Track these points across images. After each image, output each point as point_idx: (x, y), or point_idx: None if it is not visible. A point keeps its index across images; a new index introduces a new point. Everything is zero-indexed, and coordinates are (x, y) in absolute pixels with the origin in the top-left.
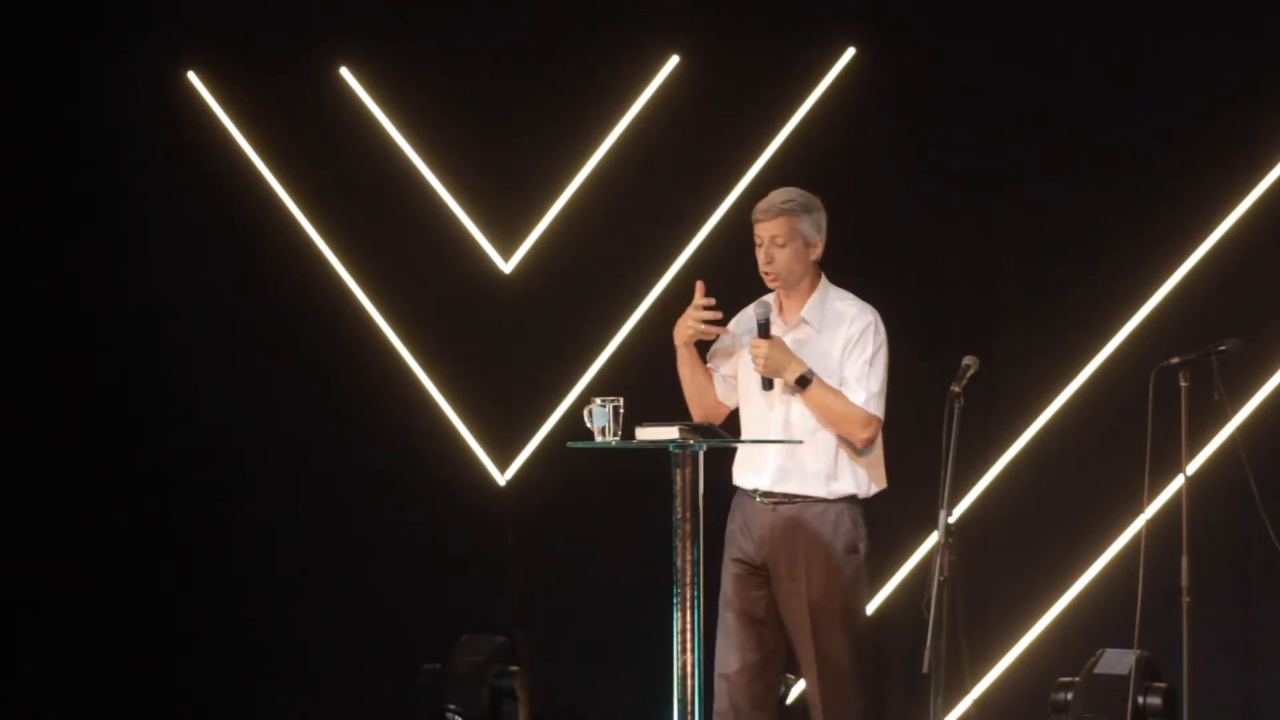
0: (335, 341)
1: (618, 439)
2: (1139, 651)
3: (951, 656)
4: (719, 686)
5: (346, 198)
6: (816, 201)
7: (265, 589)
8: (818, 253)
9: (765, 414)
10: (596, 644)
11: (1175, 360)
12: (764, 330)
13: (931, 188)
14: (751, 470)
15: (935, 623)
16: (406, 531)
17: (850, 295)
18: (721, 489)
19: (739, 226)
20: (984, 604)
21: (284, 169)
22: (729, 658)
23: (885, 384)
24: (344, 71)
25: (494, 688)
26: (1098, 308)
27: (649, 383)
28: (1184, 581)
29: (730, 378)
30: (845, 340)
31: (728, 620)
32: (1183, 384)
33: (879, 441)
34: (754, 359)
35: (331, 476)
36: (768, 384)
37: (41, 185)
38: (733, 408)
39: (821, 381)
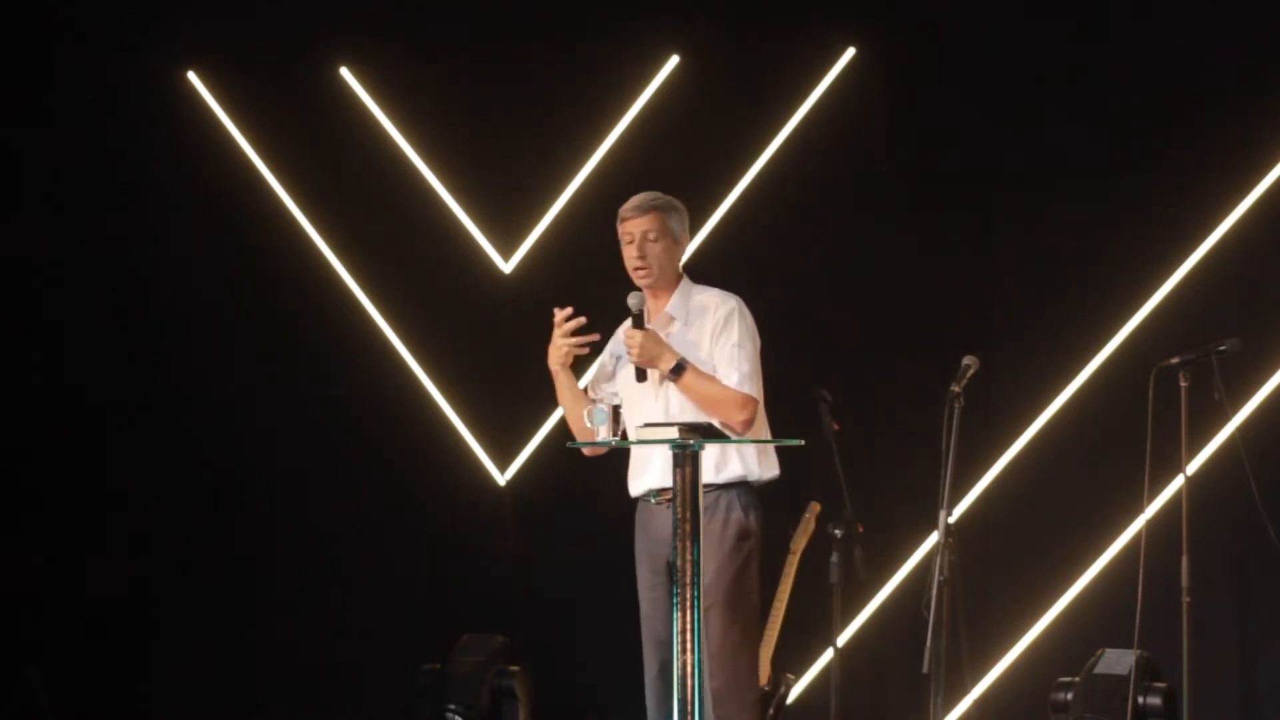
0: (335, 341)
1: (617, 439)
2: (1139, 651)
3: (951, 656)
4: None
5: (346, 198)
6: (680, 204)
7: (265, 589)
8: (683, 251)
9: (648, 406)
10: (596, 644)
11: (1175, 360)
12: (638, 321)
13: (931, 188)
14: (641, 474)
15: (935, 623)
16: (406, 531)
17: (711, 288)
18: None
19: (739, 226)
20: (984, 604)
21: (284, 169)
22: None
23: (757, 367)
24: (344, 71)
25: (494, 688)
26: (1098, 308)
27: None
28: (1184, 581)
29: (614, 395)
30: (711, 328)
31: (653, 635)
32: (1183, 384)
33: (763, 426)
34: (628, 349)
35: (331, 476)
36: (641, 375)
37: (41, 185)
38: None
39: (695, 368)
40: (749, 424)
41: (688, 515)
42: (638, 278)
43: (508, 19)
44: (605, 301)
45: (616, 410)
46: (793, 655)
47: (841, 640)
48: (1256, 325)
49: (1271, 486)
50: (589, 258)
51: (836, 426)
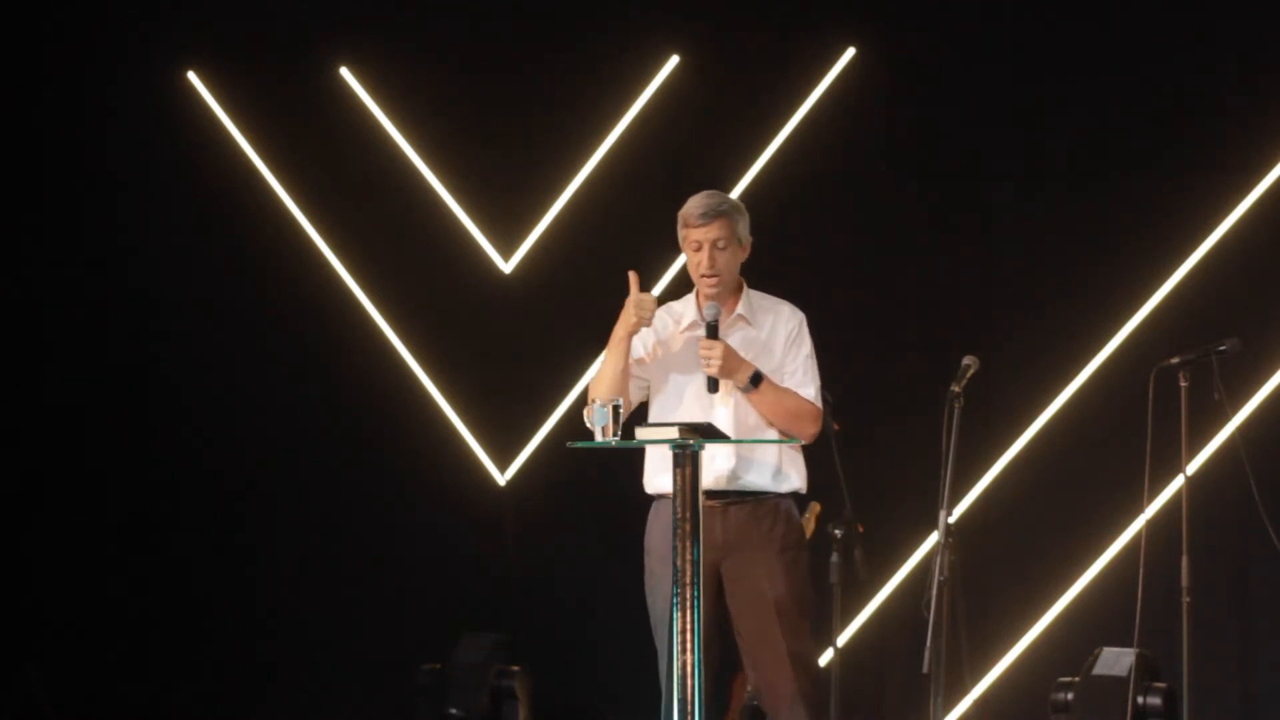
0: (335, 342)
1: (618, 439)
2: (1137, 650)
3: (951, 656)
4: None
5: (346, 198)
6: (742, 204)
7: (265, 589)
8: (746, 254)
9: (709, 414)
10: (596, 644)
11: (1175, 360)
12: (713, 331)
13: (931, 187)
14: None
15: (935, 623)
16: (407, 531)
17: (768, 295)
18: None
19: None
20: (984, 604)
21: (284, 169)
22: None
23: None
24: (344, 71)
25: (494, 688)
26: (1098, 308)
27: None
28: (1184, 581)
29: (641, 378)
30: (785, 336)
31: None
32: (1183, 384)
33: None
34: (705, 360)
35: (332, 476)
36: (713, 385)
37: (42, 185)
38: (630, 408)
39: (770, 380)
40: (816, 437)
41: (688, 515)
42: (705, 285)
43: (508, 19)
44: (605, 301)
45: (617, 410)
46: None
47: (841, 640)
48: (1256, 325)
49: (1271, 486)
50: (589, 258)
51: (837, 426)
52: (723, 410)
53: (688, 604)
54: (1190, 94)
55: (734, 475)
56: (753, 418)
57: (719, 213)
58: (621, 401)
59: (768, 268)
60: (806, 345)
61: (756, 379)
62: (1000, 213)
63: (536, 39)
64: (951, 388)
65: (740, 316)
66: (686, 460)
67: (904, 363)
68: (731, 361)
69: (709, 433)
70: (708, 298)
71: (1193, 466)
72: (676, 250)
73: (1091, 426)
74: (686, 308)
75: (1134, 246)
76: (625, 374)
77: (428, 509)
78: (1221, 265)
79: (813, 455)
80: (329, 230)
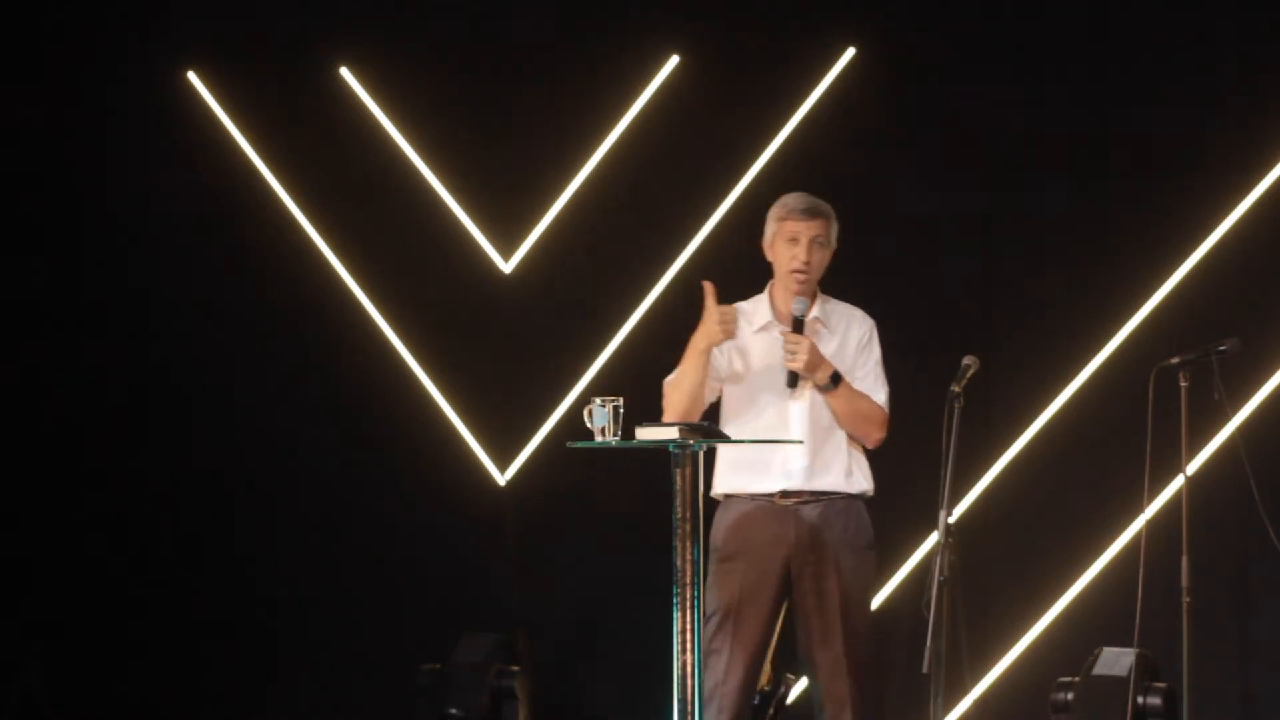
0: (335, 342)
1: (618, 439)
2: (1137, 650)
3: (951, 656)
4: (719, 703)
5: (346, 198)
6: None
7: (265, 589)
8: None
9: (785, 413)
10: (596, 644)
11: (1175, 360)
12: (799, 326)
13: (931, 188)
14: (765, 474)
15: (935, 623)
16: (406, 531)
17: (842, 301)
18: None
19: (739, 226)
20: (984, 604)
21: (284, 169)
22: (736, 669)
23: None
24: (344, 71)
25: (494, 688)
26: (1098, 308)
27: (649, 383)
28: (1184, 581)
29: (712, 379)
30: (857, 342)
31: (754, 630)
32: (1183, 384)
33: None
34: (789, 354)
35: (331, 476)
36: (793, 381)
37: (41, 185)
38: (700, 413)
39: (847, 382)
40: (882, 441)
41: (688, 515)
42: (795, 279)
43: (508, 19)
44: (605, 301)
45: (617, 410)
46: (793, 655)
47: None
48: (1256, 325)
49: (1271, 486)
50: (589, 258)
51: None
52: (799, 408)
53: (687, 604)
54: (1190, 94)
55: (809, 475)
56: (826, 418)
57: (820, 212)
58: (622, 401)
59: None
60: (877, 351)
61: (836, 378)
62: (1000, 213)
63: (536, 39)
64: (951, 388)
65: (816, 319)
66: (686, 460)
67: (904, 363)
68: (816, 358)
69: (709, 433)
70: (794, 294)
71: (1193, 466)
72: (677, 251)
73: (1091, 426)
74: (758, 308)
75: (1134, 246)
76: (704, 384)
77: (428, 509)
78: (1221, 265)
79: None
80: (329, 230)
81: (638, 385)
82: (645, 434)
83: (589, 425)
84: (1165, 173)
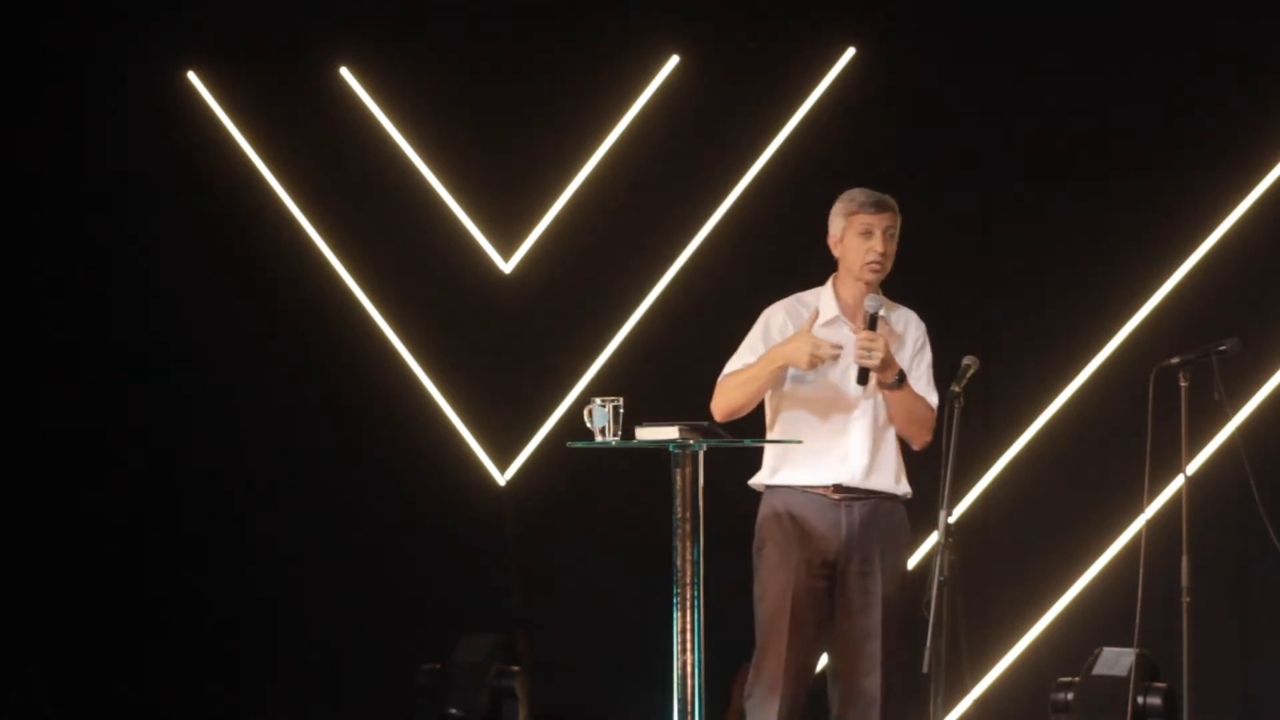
0: (335, 341)
1: (618, 439)
2: (1137, 650)
3: (951, 656)
4: (785, 692)
5: (346, 198)
6: None
7: (265, 589)
8: None
9: (848, 409)
10: (596, 644)
11: (1175, 360)
12: (873, 323)
13: (931, 188)
14: (821, 467)
15: (935, 623)
16: (406, 531)
17: (894, 301)
18: (721, 488)
19: (740, 226)
20: (984, 604)
21: (284, 169)
22: (794, 657)
23: None
24: (344, 71)
25: (494, 688)
26: (1098, 308)
27: (649, 383)
28: (1184, 581)
29: (789, 388)
30: (914, 343)
31: (806, 623)
32: (1183, 384)
33: None
34: (865, 352)
35: (332, 476)
36: (863, 378)
37: (41, 185)
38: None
39: (910, 382)
40: (927, 446)
41: (688, 515)
42: (869, 270)
43: (508, 19)
44: (606, 301)
45: (617, 410)
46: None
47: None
48: (1256, 325)
49: (1271, 486)
50: (589, 258)
51: None
52: (863, 405)
53: (687, 604)
54: (1190, 94)
55: (867, 473)
56: (884, 417)
57: (890, 205)
58: (622, 401)
59: (768, 267)
60: (929, 354)
61: (903, 378)
62: (1000, 213)
63: (536, 39)
64: (951, 388)
65: (883, 318)
66: (686, 460)
67: None
68: (889, 356)
69: (709, 433)
70: (868, 284)
71: (1193, 466)
72: (677, 250)
73: (1091, 426)
74: (823, 301)
75: (1134, 246)
76: (761, 393)
77: (428, 509)
78: (1221, 265)
79: None
80: (329, 230)
81: (638, 385)
82: (645, 434)
83: (589, 425)
84: (1165, 173)
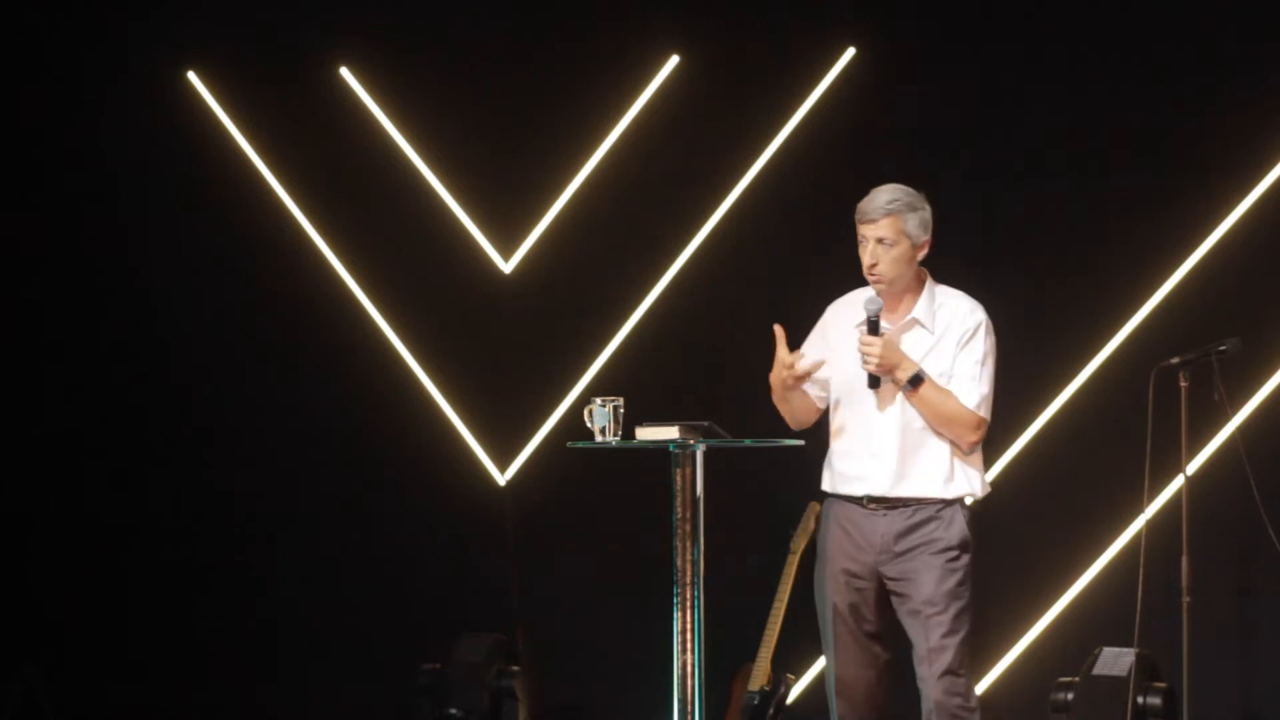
0: (335, 342)
1: (618, 439)
2: (1137, 650)
3: None
4: (839, 706)
5: (346, 198)
6: (922, 199)
7: (265, 589)
8: (924, 252)
9: (873, 415)
10: (596, 644)
11: (1175, 360)
12: (874, 327)
13: (931, 188)
14: (856, 476)
15: None
16: (406, 531)
17: (959, 293)
18: (723, 487)
19: (740, 226)
20: (984, 604)
21: (284, 169)
22: (847, 673)
23: (993, 388)
24: (344, 71)
25: (494, 688)
26: (1098, 308)
27: (649, 383)
28: (1184, 581)
29: (822, 380)
30: (958, 338)
31: (843, 637)
32: (1183, 384)
33: (980, 449)
34: (865, 357)
35: (331, 476)
36: (874, 382)
37: (41, 185)
38: (821, 412)
39: (933, 381)
40: (978, 444)
41: (688, 515)
42: (870, 281)
43: (508, 19)
44: (605, 301)
45: (617, 410)
46: (793, 655)
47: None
48: (1256, 325)
49: (1271, 486)
50: (589, 258)
51: None
52: (893, 409)
53: (687, 604)
54: (1190, 94)
55: (895, 482)
56: (920, 420)
57: (885, 210)
58: (622, 401)
59: (768, 267)
60: (980, 348)
61: (917, 379)
62: (1000, 213)
63: (536, 39)
64: None
65: (914, 320)
66: (686, 460)
67: None
68: (892, 358)
69: (709, 433)
70: (882, 292)
71: (1193, 466)
72: (677, 250)
73: (1091, 426)
74: (859, 301)
75: (1134, 246)
76: (801, 407)
77: (428, 509)
78: (1221, 265)
79: (814, 455)
80: (329, 230)
81: (638, 385)
82: (645, 434)
83: (589, 425)
84: (1165, 173)
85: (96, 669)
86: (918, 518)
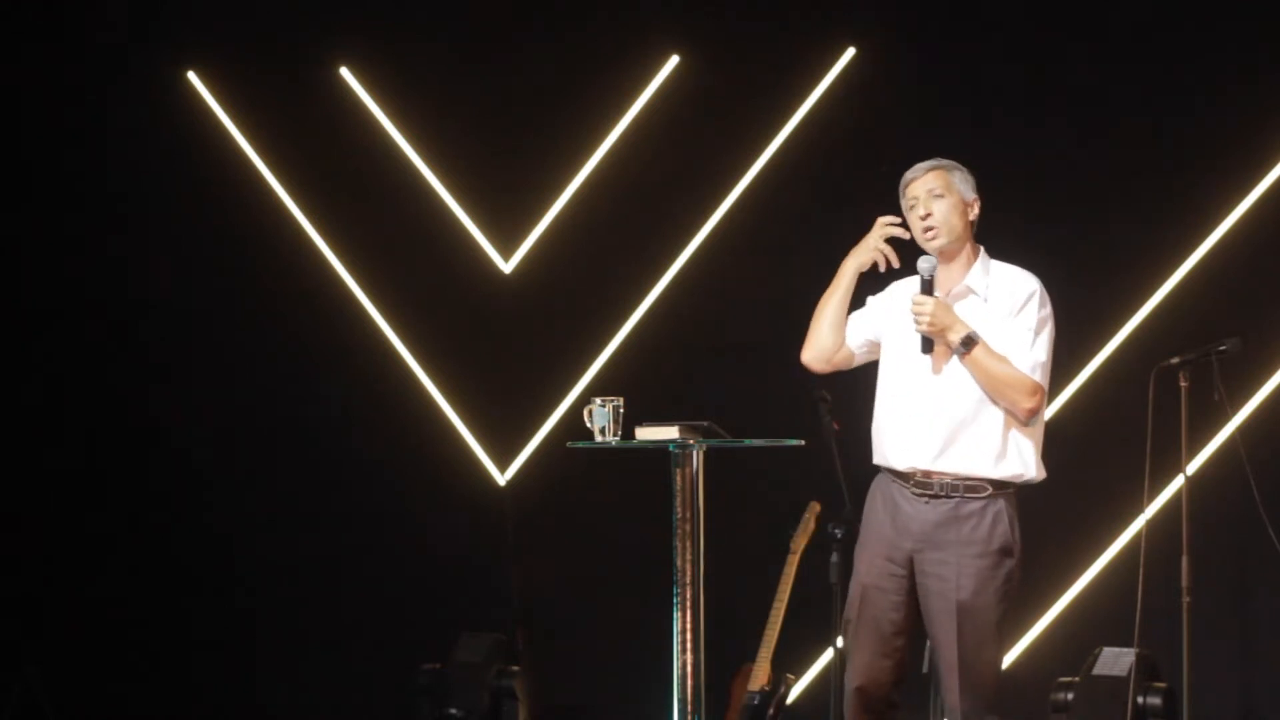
0: (335, 341)
1: (618, 439)
2: (1137, 650)
3: None
4: (854, 700)
5: (346, 198)
6: (965, 169)
7: (265, 589)
8: (975, 213)
9: (925, 381)
10: (596, 644)
11: (1175, 360)
12: (928, 287)
13: None
14: (904, 446)
15: None
16: (406, 531)
17: (1012, 266)
18: (724, 487)
19: (739, 226)
20: None
21: (284, 169)
22: (861, 655)
23: (1050, 357)
24: (344, 71)
25: (494, 688)
26: (1097, 308)
27: (649, 383)
28: (1184, 581)
29: (872, 341)
30: (1010, 307)
31: (866, 619)
32: (1183, 384)
33: (1040, 427)
34: (917, 316)
35: (332, 477)
36: (927, 345)
37: (41, 185)
38: (850, 361)
39: (985, 344)
40: (1035, 413)
41: (688, 515)
42: (926, 239)
43: (508, 19)
44: (606, 301)
45: (617, 410)
46: (793, 655)
47: (841, 640)
48: (1256, 325)
49: (1271, 486)
50: (589, 258)
51: (836, 426)
52: (945, 375)
53: (687, 604)
54: (1190, 94)
55: (937, 455)
56: (971, 391)
57: (932, 165)
58: (622, 401)
59: (768, 267)
60: (1033, 315)
61: (969, 341)
62: (1000, 212)
63: (537, 39)
64: None
65: (968, 288)
66: (686, 460)
67: None
68: (944, 318)
69: (709, 433)
70: (940, 253)
71: (1193, 466)
72: (677, 250)
73: (1092, 426)
74: (923, 262)
75: (1134, 246)
76: (844, 313)
77: (428, 509)
78: (1221, 265)
79: (814, 455)
80: (329, 230)
81: (638, 385)
82: (645, 434)
83: (589, 425)
84: (1165, 173)
85: (96, 669)
86: (962, 509)
